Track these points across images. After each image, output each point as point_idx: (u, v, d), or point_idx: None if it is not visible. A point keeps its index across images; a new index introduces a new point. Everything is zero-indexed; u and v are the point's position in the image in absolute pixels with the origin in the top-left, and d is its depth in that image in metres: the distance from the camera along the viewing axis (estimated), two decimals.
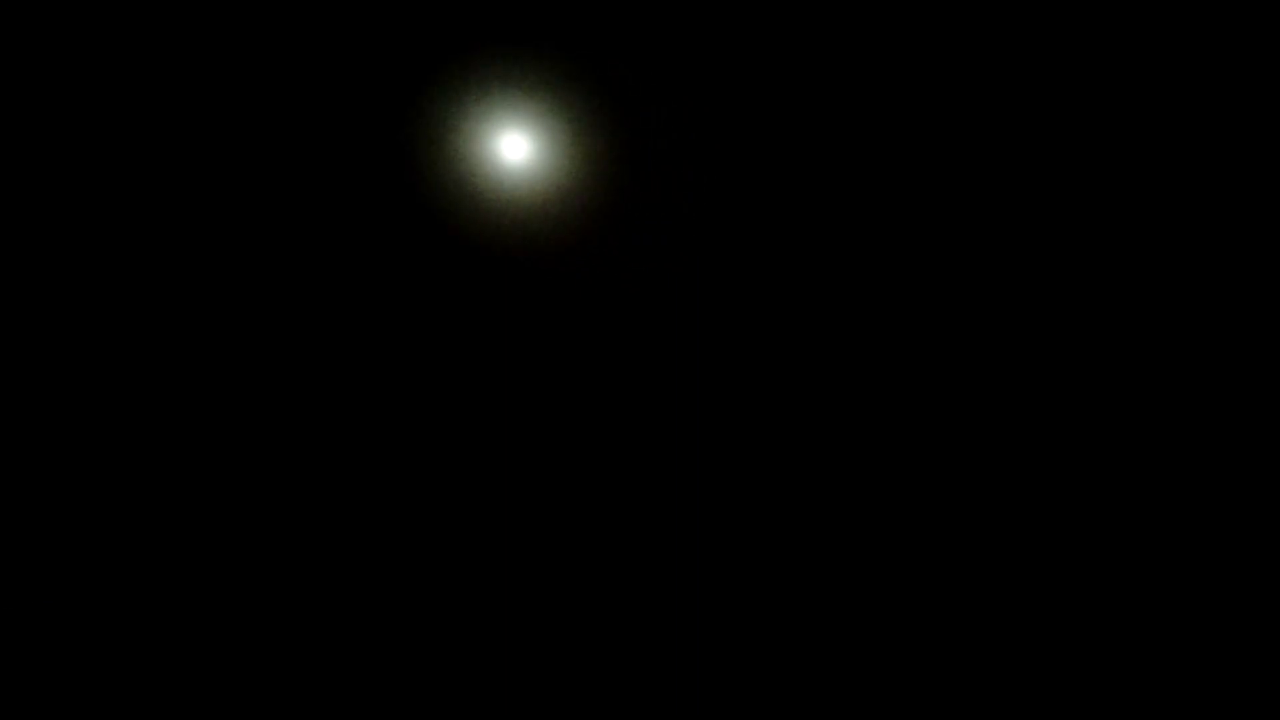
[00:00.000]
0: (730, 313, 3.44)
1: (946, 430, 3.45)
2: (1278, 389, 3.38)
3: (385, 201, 3.36)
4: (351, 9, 3.30)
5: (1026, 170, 3.44)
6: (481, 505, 3.42)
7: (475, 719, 3.35)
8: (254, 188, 3.34)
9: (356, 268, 3.36)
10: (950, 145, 3.44)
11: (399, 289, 3.38)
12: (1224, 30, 3.39)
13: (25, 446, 3.27)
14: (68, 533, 3.29)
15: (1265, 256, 3.40)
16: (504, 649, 3.40)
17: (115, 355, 3.31)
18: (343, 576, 3.36)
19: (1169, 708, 3.33)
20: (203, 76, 3.30)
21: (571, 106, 3.32)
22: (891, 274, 3.45)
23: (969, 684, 3.38)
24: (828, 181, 3.45)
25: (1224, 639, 3.34)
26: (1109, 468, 3.42)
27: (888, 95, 3.42)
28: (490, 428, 3.42)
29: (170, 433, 3.33)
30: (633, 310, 3.41)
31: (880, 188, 3.45)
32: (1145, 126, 3.44)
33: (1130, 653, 3.37)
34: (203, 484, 3.33)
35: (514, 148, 3.28)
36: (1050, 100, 3.43)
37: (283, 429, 3.36)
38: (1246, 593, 3.35)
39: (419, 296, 3.39)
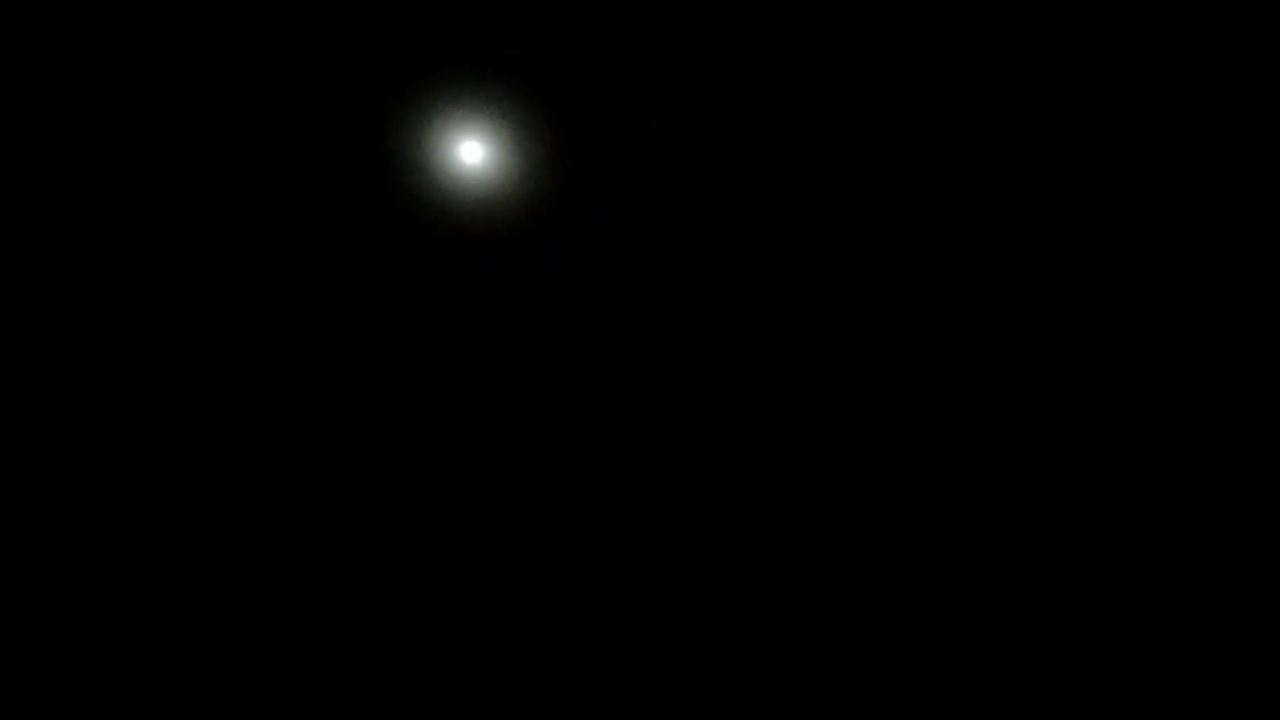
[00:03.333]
0: (691, 325, 3.43)
1: (917, 438, 3.40)
2: (1278, 389, 3.28)
3: (346, 205, 3.40)
4: (313, 20, 3.34)
5: (983, 188, 3.38)
6: (441, 510, 3.46)
7: (467, 718, 3.41)
8: (212, 192, 3.41)
9: (315, 270, 3.41)
10: (915, 165, 3.39)
11: (358, 291, 3.43)
12: (1224, 30, 3.33)
13: (19, 447, 3.40)
14: (62, 533, 3.42)
15: (1265, 256, 3.30)
16: (491, 647, 3.44)
17: (80, 352, 3.42)
18: (322, 572, 3.43)
19: (1169, 708, 3.29)
20: (172, 83, 3.38)
21: (529, 113, 3.32)
22: (864, 286, 3.42)
23: (969, 684, 3.36)
24: (796, 189, 3.43)
25: (1224, 639, 3.31)
26: (1109, 468, 3.39)
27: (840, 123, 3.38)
28: (452, 432, 3.45)
29: (140, 431, 3.42)
30: (590, 316, 3.41)
31: (846, 204, 3.41)
32: (1145, 127, 3.40)
33: (1130, 653, 3.34)
34: (171, 480, 3.42)
35: (471, 152, 3.29)
36: (1027, 102, 3.39)
37: (250, 428, 3.43)
38: (1246, 593, 3.31)
39: (378, 300, 3.43)
